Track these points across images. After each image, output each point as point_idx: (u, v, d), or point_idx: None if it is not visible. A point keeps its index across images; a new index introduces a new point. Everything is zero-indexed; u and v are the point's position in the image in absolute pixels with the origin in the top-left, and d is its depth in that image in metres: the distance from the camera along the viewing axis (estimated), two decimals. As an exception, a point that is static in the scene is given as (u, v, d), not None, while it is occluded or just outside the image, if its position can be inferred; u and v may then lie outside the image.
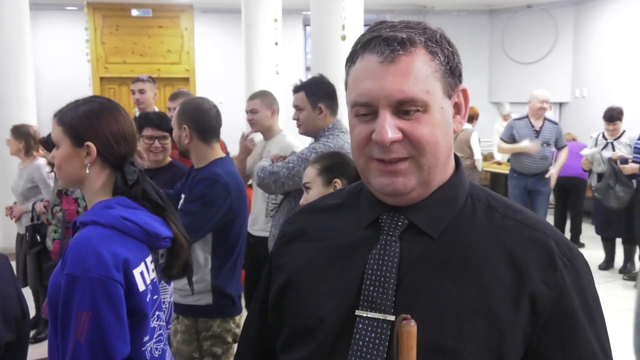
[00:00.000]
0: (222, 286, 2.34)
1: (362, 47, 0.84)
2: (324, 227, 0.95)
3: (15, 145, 4.32)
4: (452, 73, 0.85)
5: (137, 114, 4.01)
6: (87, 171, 1.41)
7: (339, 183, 1.98)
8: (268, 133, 3.41)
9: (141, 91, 4.17)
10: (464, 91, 0.88)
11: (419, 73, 0.80)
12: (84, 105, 1.44)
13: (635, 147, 5.28)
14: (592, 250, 6.23)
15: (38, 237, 3.99)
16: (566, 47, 9.32)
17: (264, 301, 1.00)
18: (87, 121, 1.41)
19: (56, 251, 3.66)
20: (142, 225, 1.38)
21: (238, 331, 2.45)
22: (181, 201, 2.36)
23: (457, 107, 0.88)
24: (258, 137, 3.52)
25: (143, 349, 1.36)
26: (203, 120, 2.38)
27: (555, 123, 5.66)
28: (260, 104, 3.33)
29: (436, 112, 0.82)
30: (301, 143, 3.44)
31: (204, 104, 2.45)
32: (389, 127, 0.80)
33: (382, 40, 0.81)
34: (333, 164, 2.03)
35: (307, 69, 9.58)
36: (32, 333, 4.14)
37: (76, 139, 1.41)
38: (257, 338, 1.03)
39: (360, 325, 0.82)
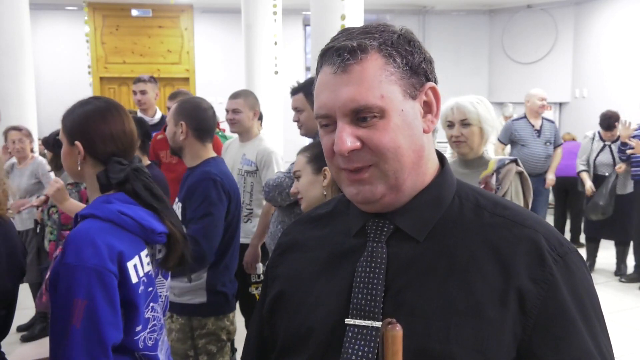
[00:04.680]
0: (216, 284, 2.36)
1: (320, 59, 0.85)
2: (316, 237, 0.95)
3: (28, 146, 4.41)
4: (415, 72, 0.83)
5: (139, 115, 4.00)
6: (79, 168, 1.52)
7: (328, 171, 1.92)
8: (246, 135, 3.35)
9: (143, 92, 4.13)
10: (433, 89, 0.86)
11: (372, 79, 0.80)
12: (80, 108, 1.55)
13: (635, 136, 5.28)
14: (592, 250, 6.23)
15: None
16: (566, 47, 9.32)
17: (261, 314, 1.00)
18: (77, 122, 1.53)
19: (52, 252, 3.66)
20: (138, 219, 1.46)
21: (232, 329, 2.47)
22: (178, 205, 2.35)
23: (427, 106, 0.86)
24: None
25: (136, 338, 1.44)
26: (201, 119, 2.41)
27: (552, 121, 5.64)
28: (243, 104, 3.28)
29: (395, 116, 0.81)
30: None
31: (202, 103, 2.48)
32: (347, 137, 0.80)
33: (334, 51, 0.82)
34: (323, 152, 2.00)
35: (307, 69, 9.59)
36: (26, 333, 4.18)
37: (70, 138, 1.53)
38: (256, 352, 1.03)
39: (350, 334, 0.81)
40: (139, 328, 1.44)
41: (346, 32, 0.85)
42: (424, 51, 0.86)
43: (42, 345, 4.08)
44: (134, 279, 1.42)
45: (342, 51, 0.81)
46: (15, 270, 1.37)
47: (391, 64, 0.81)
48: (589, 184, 5.56)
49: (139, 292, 1.44)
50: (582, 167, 5.70)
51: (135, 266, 1.43)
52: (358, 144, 0.81)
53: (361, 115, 0.80)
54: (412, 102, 0.83)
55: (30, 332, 4.16)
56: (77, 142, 1.50)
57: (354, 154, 0.81)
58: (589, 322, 0.79)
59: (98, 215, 1.42)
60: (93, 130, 1.50)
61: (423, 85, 0.85)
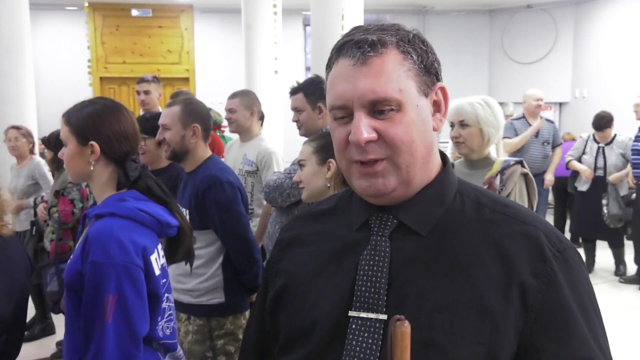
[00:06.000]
0: (232, 281, 2.35)
1: (336, 52, 0.86)
2: (318, 232, 0.96)
3: (26, 146, 4.38)
4: (428, 71, 0.86)
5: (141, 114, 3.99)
6: (92, 168, 1.52)
7: (333, 163, 1.92)
8: (246, 135, 3.34)
9: (147, 92, 4.12)
10: (443, 89, 0.88)
11: (391, 73, 0.82)
12: (89, 107, 1.55)
13: (633, 149, 5.24)
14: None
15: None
16: (566, 47, 9.33)
17: (262, 308, 1.01)
18: (90, 121, 1.52)
19: (53, 251, 3.66)
20: (155, 215, 1.50)
21: None
22: (185, 210, 2.33)
23: (436, 105, 0.88)
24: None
25: (157, 327, 1.50)
26: (209, 119, 2.44)
27: (552, 122, 5.63)
28: (239, 104, 3.27)
29: (411, 110, 0.83)
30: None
31: (202, 102, 2.51)
32: (364, 127, 0.81)
33: (354, 44, 0.83)
34: (329, 144, 2.00)
35: (307, 69, 9.58)
36: (26, 333, 4.15)
37: (81, 138, 1.52)
38: (256, 346, 1.04)
39: (354, 326, 0.82)
40: (159, 318, 1.51)
41: (362, 28, 0.86)
42: (435, 52, 0.88)
43: (42, 346, 4.12)
44: (157, 272, 1.47)
45: (363, 44, 0.82)
46: (16, 293, 1.36)
47: (408, 60, 0.84)
48: (584, 167, 5.56)
49: (160, 283, 1.49)
50: (570, 158, 5.71)
51: (155, 259, 1.48)
52: (374, 135, 0.82)
53: (378, 108, 0.82)
54: (425, 99, 0.86)
55: (30, 333, 4.15)
56: (93, 142, 1.50)
57: (369, 145, 0.82)
58: (587, 315, 0.81)
59: (118, 213, 1.45)
60: (109, 129, 1.52)
61: (434, 84, 0.87)
